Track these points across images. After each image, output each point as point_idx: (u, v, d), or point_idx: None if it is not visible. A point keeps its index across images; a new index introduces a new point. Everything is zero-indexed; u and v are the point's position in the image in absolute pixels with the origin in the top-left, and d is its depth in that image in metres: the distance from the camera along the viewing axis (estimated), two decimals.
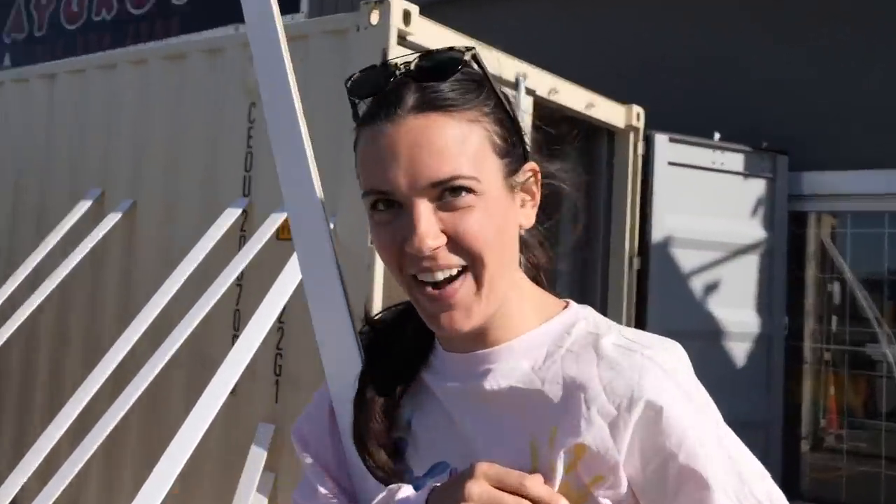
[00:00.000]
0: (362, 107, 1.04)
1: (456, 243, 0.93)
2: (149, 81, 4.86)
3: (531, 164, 1.07)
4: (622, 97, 5.64)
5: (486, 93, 1.00)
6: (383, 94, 0.97)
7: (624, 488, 0.95)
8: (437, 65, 0.97)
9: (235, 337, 3.91)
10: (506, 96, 1.04)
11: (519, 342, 1.03)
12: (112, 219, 4.66)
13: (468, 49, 0.98)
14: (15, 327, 4.41)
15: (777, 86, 6.72)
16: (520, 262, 1.12)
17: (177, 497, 3.26)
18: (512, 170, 1.02)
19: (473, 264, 0.95)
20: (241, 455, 3.81)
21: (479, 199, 0.94)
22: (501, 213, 0.98)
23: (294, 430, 1.23)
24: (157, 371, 3.60)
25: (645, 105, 5.82)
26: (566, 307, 1.10)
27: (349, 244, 3.78)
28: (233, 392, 3.49)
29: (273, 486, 3.80)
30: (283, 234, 4.02)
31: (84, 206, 4.86)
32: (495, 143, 0.99)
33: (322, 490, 1.14)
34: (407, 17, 3.86)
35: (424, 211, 0.92)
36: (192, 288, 3.91)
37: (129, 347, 3.85)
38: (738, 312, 6.37)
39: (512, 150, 1.02)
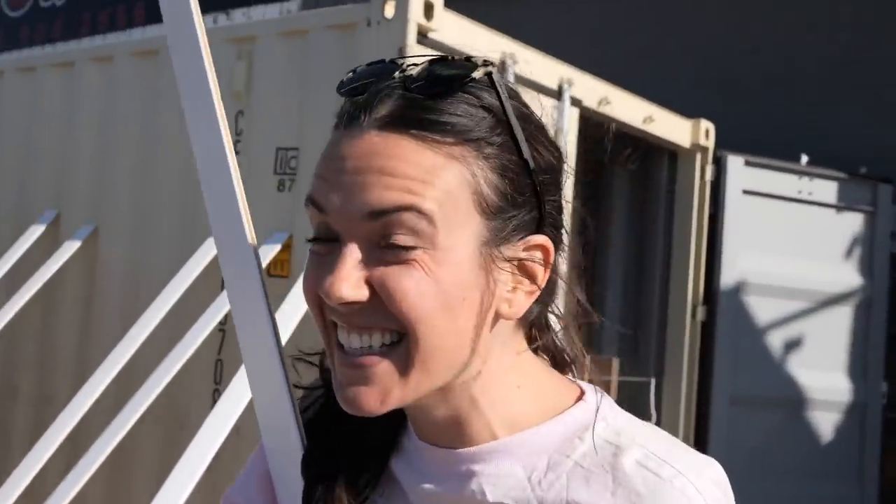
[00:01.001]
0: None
1: (385, 302, 0.82)
2: (111, 83, 4.93)
3: (540, 239, 0.91)
4: (688, 111, 5.67)
5: (496, 128, 0.86)
6: (363, 97, 0.87)
7: None
8: (434, 76, 0.86)
9: (217, 392, 3.98)
10: (528, 137, 0.89)
11: (513, 441, 0.92)
12: (70, 246, 4.71)
13: (486, 63, 0.87)
14: None
15: (879, 102, 6.77)
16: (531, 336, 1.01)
17: None
18: (501, 238, 0.87)
19: (404, 336, 0.84)
20: None
21: (430, 257, 0.82)
22: (460, 285, 0.84)
23: (225, 498, 1.11)
24: (123, 433, 3.60)
25: (716, 120, 5.81)
26: (579, 398, 0.96)
27: None
28: (215, 455, 3.50)
29: None
30: (274, 269, 4.09)
31: (35, 231, 4.88)
32: (483, 194, 0.85)
33: None
34: (429, 9, 3.88)
35: (352, 251, 0.82)
36: (165, 331, 3.95)
37: (89, 404, 3.86)
38: (825, 376, 6.32)
39: (509, 213, 0.87)
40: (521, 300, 0.90)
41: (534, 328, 1.01)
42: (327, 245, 0.86)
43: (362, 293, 0.82)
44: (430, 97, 0.84)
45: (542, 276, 0.91)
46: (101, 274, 4.83)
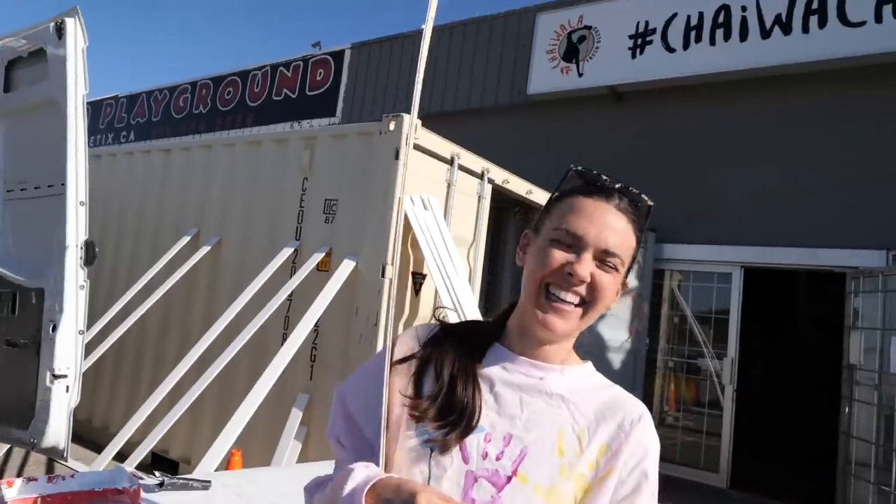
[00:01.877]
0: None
1: (591, 287, 0.91)
2: (234, 158, 4.85)
3: (629, 280, 1.01)
4: (549, 187, 5.68)
5: (643, 228, 0.99)
6: (601, 185, 0.96)
7: (617, 481, 0.91)
8: (635, 195, 0.97)
9: (286, 335, 3.91)
10: (643, 242, 1.01)
11: (565, 368, 0.97)
12: (203, 250, 4.64)
13: (651, 203, 0.99)
14: (132, 322, 4.37)
15: (651, 185, 6.89)
16: None
17: (241, 440, 3.23)
18: (626, 273, 0.97)
19: (589, 303, 0.92)
20: (285, 414, 3.80)
21: (615, 274, 0.93)
22: (615, 291, 0.95)
23: (339, 391, 1.03)
24: (230, 357, 3.59)
25: None
26: (586, 362, 1.02)
27: (367, 277, 3.81)
28: (282, 372, 3.49)
29: (306, 436, 3.78)
30: (320, 266, 4.04)
31: (184, 240, 4.82)
32: (634, 254, 0.97)
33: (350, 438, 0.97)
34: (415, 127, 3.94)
35: (590, 258, 0.91)
36: (257, 300, 3.88)
37: (212, 339, 3.83)
38: (617, 333, 6.40)
39: (631, 265, 0.98)
40: (615, 301, 0.98)
41: None
42: (564, 247, 0.92)
43: (588, 278, 0.91)
44: (634, 203, 0.97)
45: (617, 298, 0.99)
46: (221, 266, 4.71)
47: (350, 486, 0.82)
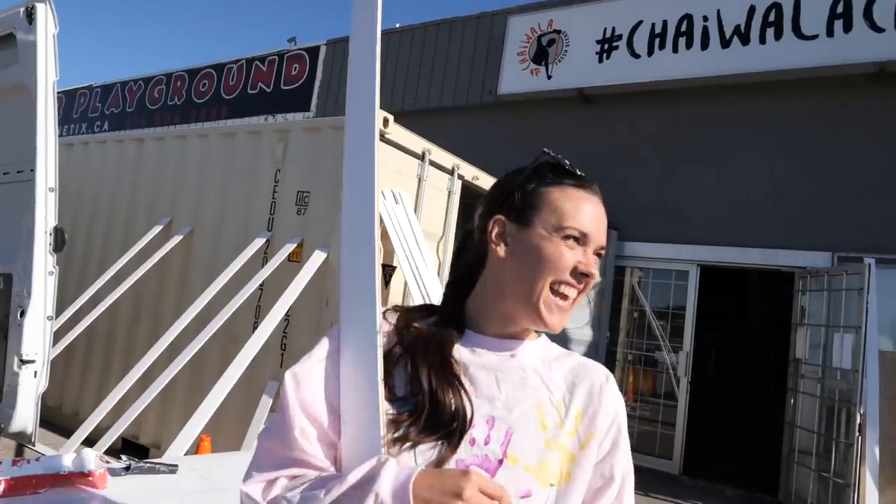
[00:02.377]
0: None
1: (589, 281, 0.90)
2: (208, 149, 4.76)
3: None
4: None
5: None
6: (586, 179, 0.95)
7: (597, 443, 0.91)
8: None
9: (256, 324, 3.86)
10: None
11: (532, 342, 0.94)
12: (175, 239, 4.56)
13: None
14: (103, 309, 4.28)
15: (615, 186, 7.01)
16: None
17: (212, 427, 3.20)
18: None
19: (579, 294, 0.90)
20: (255, 401, 3.76)
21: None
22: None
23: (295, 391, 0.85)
24: (201, 344, 3.53)
25: None
26: (541, 335, 0.98)
27: (337, 268, 3.79)
28: (253, 360, 3.46)
29: None
30: (292, 257, 4.00)
31: (156, 229, 4.73)
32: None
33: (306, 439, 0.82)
34: (385, 122, 3.85)
35: (592, 252, 0.91)
36: (229, 289, 3.83)
37: (183, 327, 3.77)
38: (580, 327, 6.47)
39: None
40: None
41: None
42: (573, 242, 0.89)
43: (599, 275, 0.90)
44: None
45: None
46: (194, 255, 4.63)
47: (387, 487, 0.72)
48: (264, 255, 4.14)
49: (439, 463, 0.80)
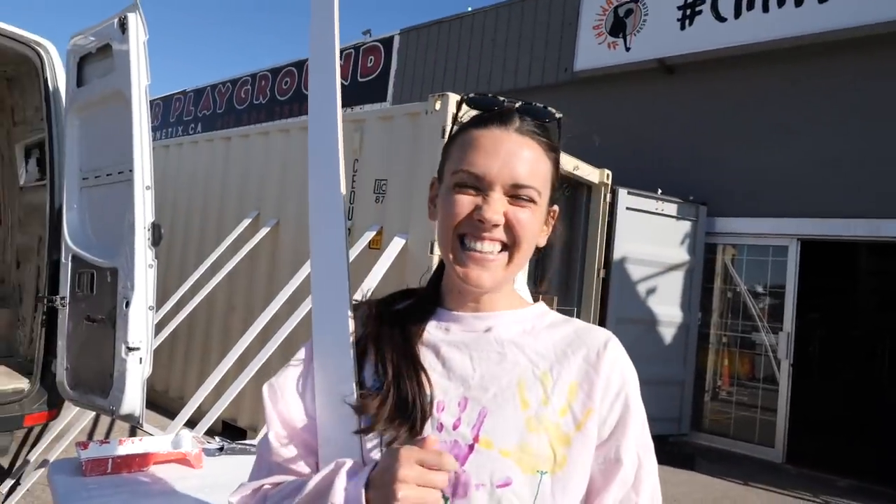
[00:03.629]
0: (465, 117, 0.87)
1: (509, 228, 0.79)
2: (290, 143, 4.91)
3: (556, 207, 0.89)
4: (597, 163, 5.57)
5: (556, 141, 0.85)
6: (497, 111, 0.82)
7: (598, 421, 0.79)
8: (538, 110, 0.84)
9: None
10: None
11: (512, 312, 0.85)
12: (263, 231, 4.74)
13: (559, 115, 0.86)
14: (201, 298, 4.52)
15: (701, 158, 6.64)
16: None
17: None
18: (551, 201, 0.86)
19: (513, 246, 0.80)
20: None
21: (534, 207, 0.80)
22: (539, 224, 0.83)
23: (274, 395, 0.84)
24: (290, 330, 3.65)
25: (612, 168, 5.71)
26: (537, 303, 0.90)
27: (417, 254, 3.82)
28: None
29: None
30: (372, 245, 4.06)
31: (246, 222, 4.94)
32: (552, 178, 0.84)
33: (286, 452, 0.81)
34: (459, 105, 3.85)
35: (499, 195, 0.78)
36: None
37: (272, 314, 3.91)
38: (669, 308, 6.24)
39: (554, 188, 0.86)
40: (544, 237, 0.88)
41: None
42: (470, 190, 0.79)
43: (501, 220, 0.78)
44: (540, 121, 0.84)
45: (550, 226, 0.89)
46: (280, 245, 4.80)
47: (339, 496, 0.68)
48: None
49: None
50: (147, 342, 2.80)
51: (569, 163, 5.11)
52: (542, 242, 0.88)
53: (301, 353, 0.86)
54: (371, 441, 0.76)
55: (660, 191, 6.24)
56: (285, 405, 0.82)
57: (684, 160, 6.68)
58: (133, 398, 2.74)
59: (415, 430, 0.74)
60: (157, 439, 1.78)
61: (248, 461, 1.85)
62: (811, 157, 6.03)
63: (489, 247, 0.79)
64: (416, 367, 0.79)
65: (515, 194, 0.79)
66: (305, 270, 4.03)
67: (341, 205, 0.86)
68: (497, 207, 0.78)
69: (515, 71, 8.27)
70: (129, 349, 2.73)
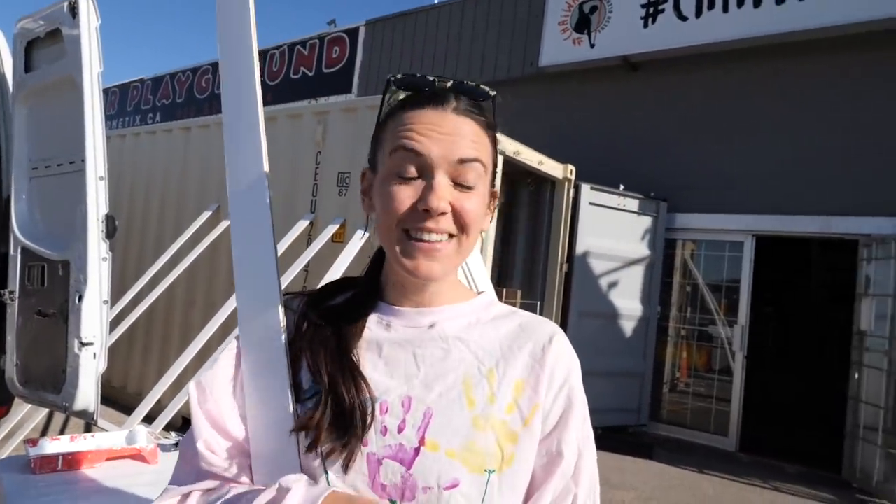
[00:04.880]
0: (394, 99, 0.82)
1: (456, 216, 0.74)
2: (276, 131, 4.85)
3: (496, 188, 0.84)
4: (561, 158, 5.62)
5: (494, 125, 0.81)
6: (430, 91, 0.78)
7: (542, 415, 0.77)
8: (473, 88, 0.79)
9: None
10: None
11: (457, 307, 0.81)
12: (224, 224, 4.63)
13: (493, 92, 0.81)
14: (159, 293, 4.44)
15: (662, 155, 6.79)
16: None
17: None
18: (492, 182, 0.81)
19: (461, 234, 0.75)
20: None
21: (478, 189, 0.76)
22: (485, 206, 0.79)
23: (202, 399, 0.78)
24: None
25: (576, 164, 5.79)
26: (481, 293, 0.87)
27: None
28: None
29: None
30: (335, 238, 4.04)
31: (206, 214, 4.85)
32: (492, 157, 0.80)
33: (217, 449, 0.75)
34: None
35: (443, 179, 0.73)
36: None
37: (233, 308, 3.88)
38: (629, 302, 6.36)
39: (493, 168, 0.81)
40: (488, 221, 0.83)
41: None
42: (409, 178, 0.74)
43: (448, 208, 0.73)
44: (475, 100, 0.80)
45: (493, 209, 0.84)
46: None
47: None
48: (308, 237, 4.20)
49: (347, 466, 0.71)
50: (101, 337, 2.74)
51: (533, 158, 5.17)
52: (486, 226, 0.83)
53: (232, 347, 0.80)
54: (306, 456, 0.72)
55: (622, 186, 6.34)
56: (215, 405, 0.76)
57: (646, 157, 6.82)
58: (87, 394, 2.68)
59: (356, 441, 0.71)
60: (110, 435, 1.75)
61: None
62: (768, 156, 6.23)
63: (437, 236, 0.74)
64: (354, 373, 0.74)
65: (459, 175, 0.74)
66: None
67: (265, 187, 0.81)
68: (442, 194, 0.73)
69: (481, 65, 8.30)
70: (83, 344, 2.67)
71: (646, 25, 6.88)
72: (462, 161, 0.74)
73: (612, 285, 6.28)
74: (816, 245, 8.38)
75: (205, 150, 5.21)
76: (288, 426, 0.73)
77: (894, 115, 5.64)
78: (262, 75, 0.90)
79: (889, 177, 5.60)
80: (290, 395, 0.74)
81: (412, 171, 0.74)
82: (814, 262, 9.06)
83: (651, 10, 6.86)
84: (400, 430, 0.73)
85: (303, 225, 4.17)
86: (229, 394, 0.77)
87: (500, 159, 4.71)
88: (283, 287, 0.80)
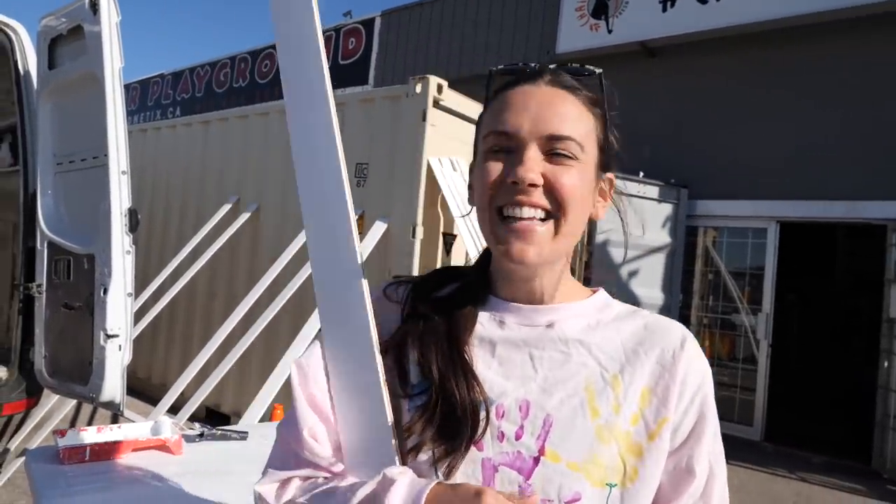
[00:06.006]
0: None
1: (550, 190, 0.70)
2: (269, 127, 4.84)
3: (612, 174, 0.79)
4: None
5: (603, 99, 0.77)
6: (527, 68, 0.76)
7: (671, 429, 0.71)
8: (573, 67, 0.76)
9: None
10: (609, 115, 0.78)
11: (576, 304, 0.76)
12: (243, 217, 4.69)
13: (598, 70, 0.77)
14: (181, 286, 4.49)
15: (682, 142, 6.68)
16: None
17: (283, 394, 3.31)
18: (602, 164, 0.76)
19: (557, 212, 0.70)
20: None
21: (578, 165, 0.71)
22: (589, 187, 0.74)
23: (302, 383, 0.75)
24: (271, 316, 3.65)
25: None
26: (596, 291, 0.81)
27: (399, 238, 3.81)
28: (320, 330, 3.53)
29: None
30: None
31: (226, 207, 4.89)
32: (598, 135, 0.75)
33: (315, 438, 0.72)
34: (440, 88, 3.80)
35: (534, 152, 0.70)
36: (295, 263, 3.90)
37: (254, 300, 3.90)
38: (650, 290, 6.29)
39: (604, 152, 0.76)
40: (600, 208, 0.79)
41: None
42: (502, 154, 0.71)
43: (540, 179, 0.69)
44: (576, 76, 0.76)
45: (608, 196, 0.80)
46: (261, 230, 4.77)
47: (396, 501, 0.62)
48: None
49: (451, 469, 0.67)
50: (126, 329, 2.77)
51: None
52: (601, 215, 0.78)
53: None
54: (409, 454, 0.69)
55: (641, 174, 6.26)
56: (320, 392, 0.73)
57: (666, 143, 6.71)
58: (113, 385, 2.72)
59: (466, 445, 0.67)
60: (136, 426, 1.78)
61: (228, 447, 1.86)
62: (791, 140, 6.09)
63: (529, 212, 0.69)
64: (467, 372, 0.70)
65: (552, 149, 0.70)
66: (287, 256, 4.01)
67: (342, 178, 0.77)
68: (531, 165, 0.69)
69: (498, 53, 8.22)
70: (108, 336, 2.70)
71: (664, 9, 6.75)
72: (553, 135, 0.71)
73: (633, 274, 6.22)
74: (842, 230, 8.20)
75: (224, 143, 5.24)
76: (383, 421, 0.69)
77: None
78: (275, 69, 0.84)
79: None
80: (383, 390, 0.70)
81: (503, 146, 0.72)
82: (839, 249, 8.87)
83: None
84: (518, 437, 0.69)
85: None
86: (325, 380, 0.74)
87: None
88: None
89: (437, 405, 0.69)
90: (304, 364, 0.74)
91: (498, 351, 0.73)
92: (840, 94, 5.87)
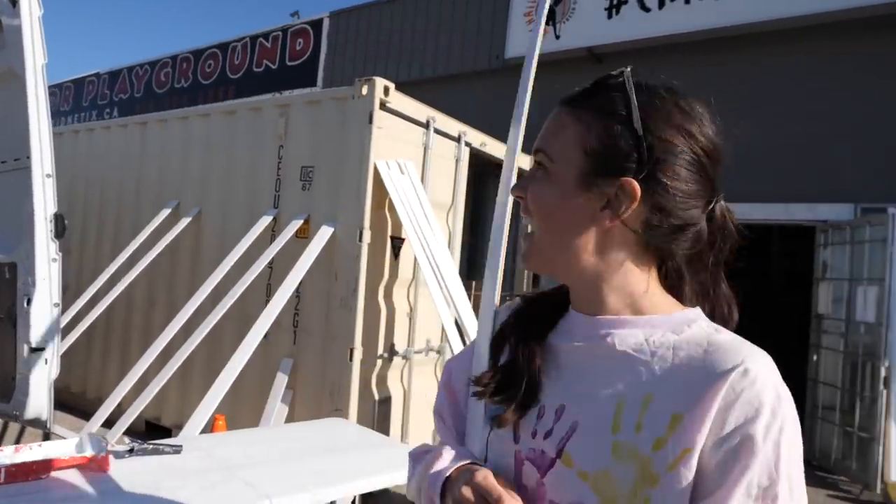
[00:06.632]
0: None
1: (525, 204, 0.77)
2: (211, 128, 4.68)
3: (624, 179, 0.71)
4: (528, 150, 5.60)
5: (611, 102, 0.74)
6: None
7: (694, 469, 0.63)
8: (586, 87, 0.78)
9: (267, 301, 3.82)
10: (626, 115, 0.74)
11: (639, 318, 0.73)
12: (184, 221, 4.53)
13: (622, 72, 0.77)
14: (118, 293, 4.29)
15: None
16: (660, 270, 0.77)
17: (230, 406, 3.21)
18: (597, 169, 0.72)
19: (538, 223, 0.76)
20: (270, 378, 3.78)
21: (546, 176, 0.74)
22: (561, 195, 0.73)
23: (447, 365, 0.91)
24: (213, 324, 3.53)
25: None
26: (687, 309, 0.75)
27: (346, 242, 3.75)
28: (265, 337, 3.44)
29: (292, 399, 3.77)
30: (299, 234, 3.95)
31: (165, 211, 4.70)
32: (588, 140, 0.72)
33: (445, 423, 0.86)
34: (386, 90, 3.76)
35: (531, 170, 0.76)
36: (238, 268, 3.80)
37: (195, 307, 3.77)
38: None
39: (606, 155, 0.72)
40: (618, 212, 0.72)
41: (664, 257, 0.76)
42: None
43: (518, 192, 0.78)
44: (583, 94, 0.78)
45: (625, 202, 0.71)
46: (203, 235, 4.61)
47: (437, 466, 0.73)
48: (272, 233, 4.10)
49: (500, 423, 0.74)
50: (53, 341, 2.63)
51: (500, 150, 5.14)
52: (625, 221, 0.71)
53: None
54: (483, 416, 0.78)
55: None
56: (456, 375, 0.87)
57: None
58: (39, 401, 2.57)
59: (513, 409, 0.74)
60: (59, 444, 1.67)
61: (160, 462, 1.77)
62: (728, 144, 6.33)
63: (529, 223, 0.79)
64: (533, 349, 0.77)
65: (538, 161, 0.76)
66: (230, 261, 3.89)
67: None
68: (519, 182, 0.78)
69: (448, 56, 8.25)
70: (33, 350, 2.55)
71: (610, 16, 6.92)
72: (534, 151, 0.77)
73: None
74: (777, 232, 8.59)
75: (163, 145, 5.04)
76: (481, 412, 0.79)
77: (849, 104, 5.79)
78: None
79: (844, 165, 5.75)
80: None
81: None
82: (775, 249, 9.29)
83: (615, 0, 6.90)
84: (546, 437, 0.72)
85: (266, 221, 4.07)
86: (465, 375, 0.83)
87: (467, 152, 4.67)
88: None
89: (503, 371, 0.78)
90: (448, 365, 0.91)
91: (561, 357, 0.77)
92: (779, 101, 6.15)
